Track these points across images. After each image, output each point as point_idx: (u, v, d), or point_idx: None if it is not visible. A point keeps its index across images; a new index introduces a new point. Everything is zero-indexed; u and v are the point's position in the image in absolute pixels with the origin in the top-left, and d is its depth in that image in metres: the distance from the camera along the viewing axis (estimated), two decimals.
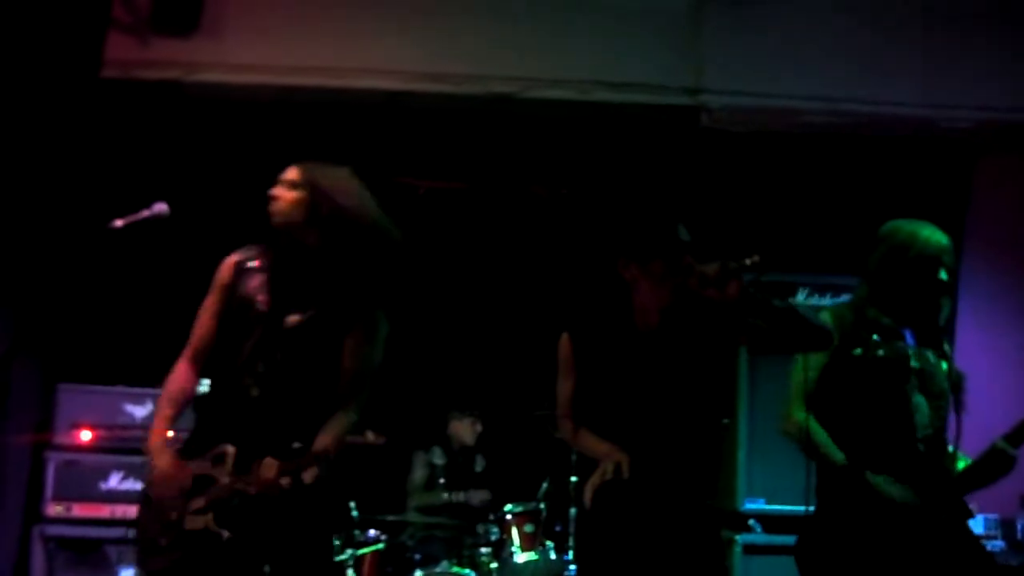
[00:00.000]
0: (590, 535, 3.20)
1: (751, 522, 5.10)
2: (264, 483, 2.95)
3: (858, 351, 3.20)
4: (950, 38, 5.74)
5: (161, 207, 3.24)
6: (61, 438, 5.15)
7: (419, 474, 6.00)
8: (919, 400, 3.20)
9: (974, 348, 5.45)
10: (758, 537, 5.07)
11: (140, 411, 5.18)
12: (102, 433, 5.16)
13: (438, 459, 6.03)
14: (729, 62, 5.72)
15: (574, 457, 5.22)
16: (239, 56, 5.52)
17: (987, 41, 5.74)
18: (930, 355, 3.25)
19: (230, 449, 3.01)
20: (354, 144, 5.82)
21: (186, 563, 2.97)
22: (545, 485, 5.58)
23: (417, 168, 6.06)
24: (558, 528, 5.54)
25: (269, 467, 2.95)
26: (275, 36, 5.54)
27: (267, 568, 3.00)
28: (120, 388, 5.25)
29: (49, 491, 5.08)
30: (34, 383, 5.25)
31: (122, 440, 5.10)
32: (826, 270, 5.53)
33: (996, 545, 5.08)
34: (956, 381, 3.25)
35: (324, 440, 3.02)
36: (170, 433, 3.09)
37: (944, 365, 3.26)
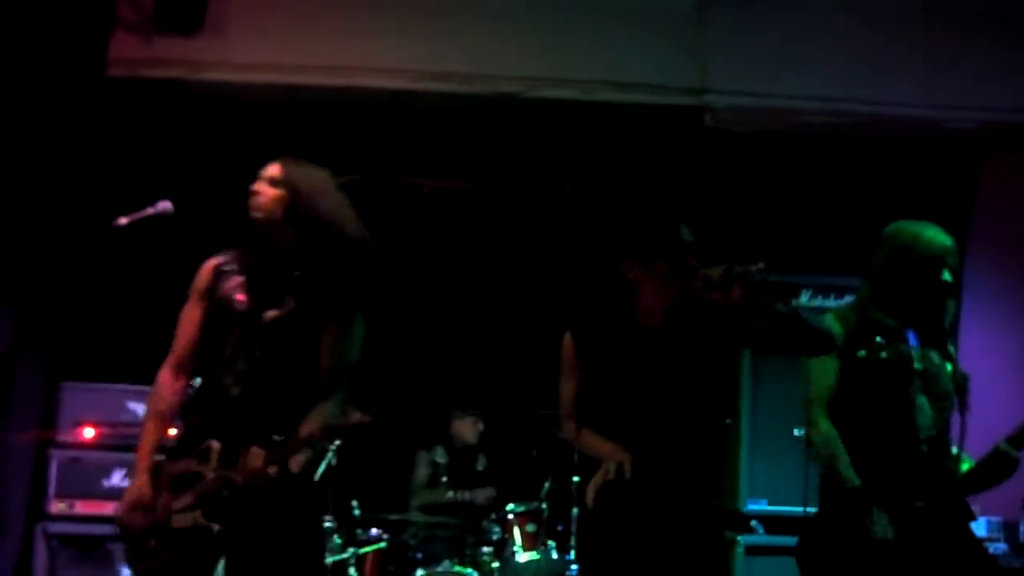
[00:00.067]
0: (592, 535, 3.20)
1: (753, 523, 5.10)
2: (252, 472, 2.96)
3: (862, 353, 3.20)
4: (950, 38, 5.74)
5: (165, 205, 3.24)
6: (64, 436, 5.15)
7: (422, 472, 6.01)
8: (922, 402, 3.20)
9: (977, 349, 5.44)
10: (760, 538, 5.07)
11: (143, 409, 5.14)
12: (105, 431, 5.17)
13: (440, 458, 6.03)
14: (733, 62, 5.72)
15: (576, 457, 5.22)
16: (243, 55, 5.53)
17: (987, 41, 5.74)
18: (935, 356, 3.25)
19: (215, 444, 3.03)
20: (358, 143, 5.83)
21: (177, 562, 2.98)
22: (547, 485, 5.58)
23: (421, 167, 6.07)
24: (560, 528, 5.54)
25: (256, 456, 2.96)
26: (279, 35, 5.54)
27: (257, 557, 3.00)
28: (123, 386, 5.25)
29: (52, 488, 5.09)
30: (37, 380, 5.25)
31: (125, 437, 5.09)
32: (830, 271, 5.52)
33: (998, 548, 5.07)
34: (960, 382, 3.25)
35: (308, 426, 3.03)
36: (158, 456, 3.12)
37: (949, 366, 3.25)
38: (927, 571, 3.09)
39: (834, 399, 3.21)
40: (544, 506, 5.50)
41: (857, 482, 3.11)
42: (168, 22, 5.38)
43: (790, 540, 3.38)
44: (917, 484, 3.13)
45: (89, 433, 5.16)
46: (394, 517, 5.52)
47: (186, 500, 3.01)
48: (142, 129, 5.64)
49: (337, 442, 5.29)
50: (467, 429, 6.06)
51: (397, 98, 5.75)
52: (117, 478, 5.11)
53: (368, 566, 5.26)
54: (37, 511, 5.09)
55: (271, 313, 3.09)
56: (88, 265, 5.37)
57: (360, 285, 3.15)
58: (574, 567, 5.22)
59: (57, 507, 5.07)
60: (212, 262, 3.21)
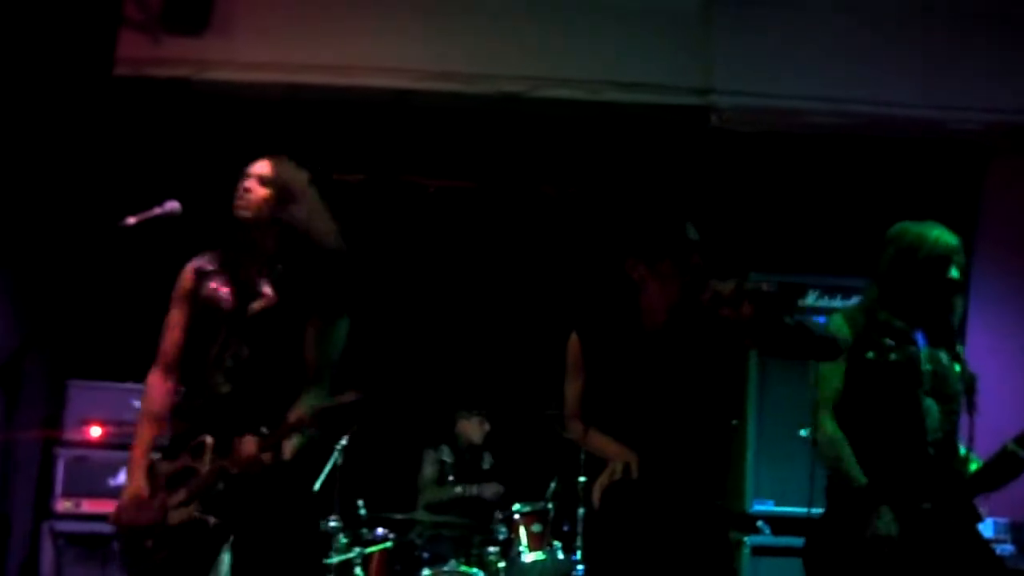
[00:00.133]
0: (598, 535, 3.20)
1: (759, 523, 5.09)
2: (245, 460, 2.98)
3: (871, 355, 3.19)
4: (951, 38, 5.72)
5: (173, 205, 3.24)
6: (71, 434, 5.17)
7: (430, 470, 6.01)
8: (929, 403, 3.19)
9: (984, 350, 5.42)
10: (766, 538, 5.06)
11: None
12: (111, 429, 5.18)
13: (447, 456, 6.04)
14: (738, 62, 5.71)
15: (582, 457, 5.22)
16: (248, 54, 5.54)
17: (988, 41, 5.72)
18: (943, 357, 3.24)
19: (208, 439, 3.05)
20: (362, 142, 5.84)
21: (175, 559, 2.99)
22: (553, 485, 5.58)
23: (425, 167, 6.07)
24: (566, 528, 5.54)
25: (249, 443, 2.99)
26: (284, 34, 5.55)
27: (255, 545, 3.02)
28: (129, 384, 5.24)
29: (59, 487, 5.10)
30: (44, 379, 5.26)
31: (131, 436, 5.09)
32: (836, 272, 5.51)
33: (1006, 549, 5.05)
34: (969, 383, 3.24)
35: (298, 412, 3.05)
36: (153, 456, 3.14)
37: (957, 367, 3.25)
38: (934, 572, 3.09)
39: (843, 401, 3.21)
40: (550, 506, 5.49)
41: (863, 480, 3.11)
42: (174, 22, 5.41)
43: (796, 541, 3.38)
44: (925, 486, 3.13)
45: (96, 432, 5.17)
46: (400, 517, 5.52)
47: (181, 496, 3.03)
48: (148, 128, 5.65)
49: (343, 441, 5.30)
50: (473, 428, 6.06)
51: (401, 98, 5.75)
52: (123, 477, 5.08)
53: (374, 566, 5.26)
54: (44, 509, 5.11)
55: (256, 305, 3.11)
56: (95, 264, 5.38)
57: (339, 291, 3.16)
58: (580, 567, 5.21)
59: (63, 505, 5.08)
60: (192, 265, 3.24)
